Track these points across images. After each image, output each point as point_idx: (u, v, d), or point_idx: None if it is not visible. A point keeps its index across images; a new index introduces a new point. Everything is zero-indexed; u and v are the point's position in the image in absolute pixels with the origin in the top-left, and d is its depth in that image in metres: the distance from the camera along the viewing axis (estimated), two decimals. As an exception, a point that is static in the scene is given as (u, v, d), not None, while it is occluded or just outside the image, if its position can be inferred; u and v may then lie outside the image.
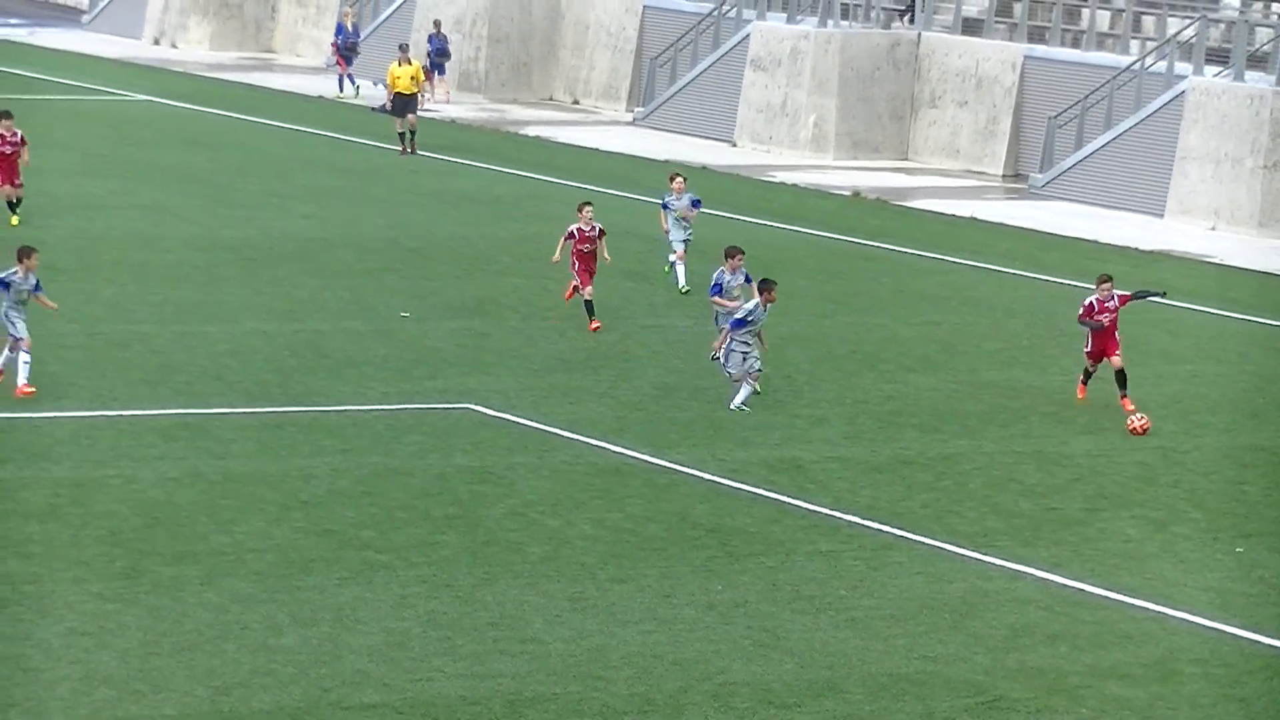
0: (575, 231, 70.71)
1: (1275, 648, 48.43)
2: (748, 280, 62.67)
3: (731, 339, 61.06)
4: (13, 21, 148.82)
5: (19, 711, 42.29)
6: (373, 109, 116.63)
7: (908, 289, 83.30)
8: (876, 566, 52.78)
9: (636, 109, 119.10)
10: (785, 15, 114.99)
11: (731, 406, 62.88)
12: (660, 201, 75.32)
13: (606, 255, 72.65)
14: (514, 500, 56.83)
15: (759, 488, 57.54)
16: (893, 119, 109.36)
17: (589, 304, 69.22)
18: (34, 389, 61.79)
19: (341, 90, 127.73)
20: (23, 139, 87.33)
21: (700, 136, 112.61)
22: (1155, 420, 61.85)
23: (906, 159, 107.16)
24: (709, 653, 46.64)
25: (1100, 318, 60.88)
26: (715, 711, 43.85)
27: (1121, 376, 62.19)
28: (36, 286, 62.88)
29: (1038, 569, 52.62)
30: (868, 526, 55.12)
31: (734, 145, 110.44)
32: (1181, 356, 65.53)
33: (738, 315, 61.39)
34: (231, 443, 61.07)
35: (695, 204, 78.78)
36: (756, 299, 62.68)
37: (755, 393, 63.08)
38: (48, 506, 54.60)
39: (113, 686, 43.48)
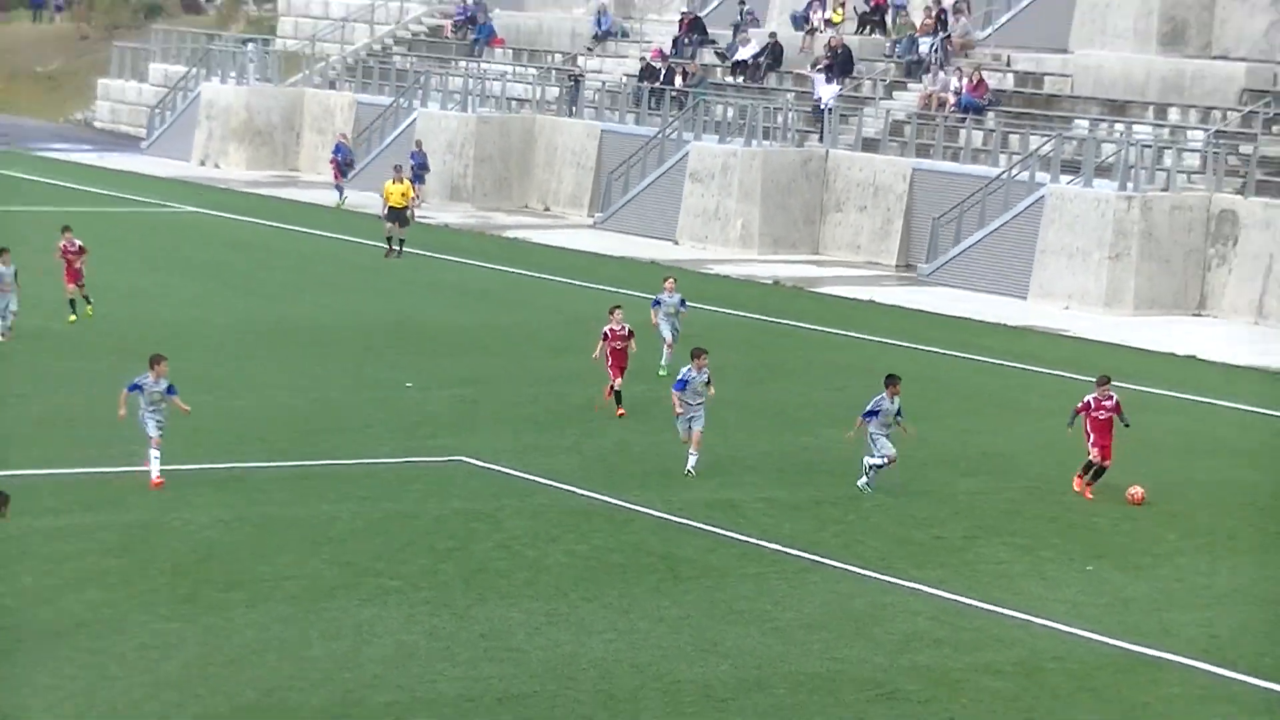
0: (608, 332, 70.78)
1: (1120, 648, 49.41)
2: (708, 382, 63.09)
3: (682, 401, 61.34)
4: (84, 148, 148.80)
5: (99, 712, 43.04)
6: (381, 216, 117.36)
7: (820, 361, 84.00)
8: (796, 586, 54.18)
9: (596, 214, 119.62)
10: (718, 137, 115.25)
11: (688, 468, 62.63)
12: (653, 299, 74.87)
13: (634, 348, 72.06)
14: (500, 535, 57.98)
15: (700, 523, 58.75)
16: (806, 222, 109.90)
17: (618, 394, 70.11)
18: (163, 480, 60.98)
19: (340, 200, 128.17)
20: (81, 247, 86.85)
21: (648, 237, 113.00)
22: (1029, 464, 62.26)
23: (817, 254, 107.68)
24: (660, 658, 48.25)
25: (1096, 415, 61.42)
26: (665, 706, 45.68)
27: (1100, 471, 61.88)
28: (169, 390, 61.50)
29: (927, 586, 54.00)
30: (789, 553, 56.42)
31: (676, 243, 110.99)
32: (1046, 411, 65.88)
33: (680, 378, 61.86)
34: (268, 491, 61.94)
35: (683, 304, 78.70)
36: (688, 366, 62.98)
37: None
38: (120, 544, 55.66)
39: (176, 690, 44.86)
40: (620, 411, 69.62)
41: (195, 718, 43.44)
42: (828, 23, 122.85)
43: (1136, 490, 61.63)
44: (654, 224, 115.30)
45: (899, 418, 61.83)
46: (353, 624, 49.70)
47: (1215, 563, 57.27)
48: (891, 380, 63.21)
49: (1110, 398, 62.38)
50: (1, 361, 76.49)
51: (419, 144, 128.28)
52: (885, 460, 61.80)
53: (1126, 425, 62.69)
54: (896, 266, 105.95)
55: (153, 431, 59.94)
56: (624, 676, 46.65)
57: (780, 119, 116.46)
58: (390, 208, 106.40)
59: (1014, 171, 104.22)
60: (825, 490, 61.28)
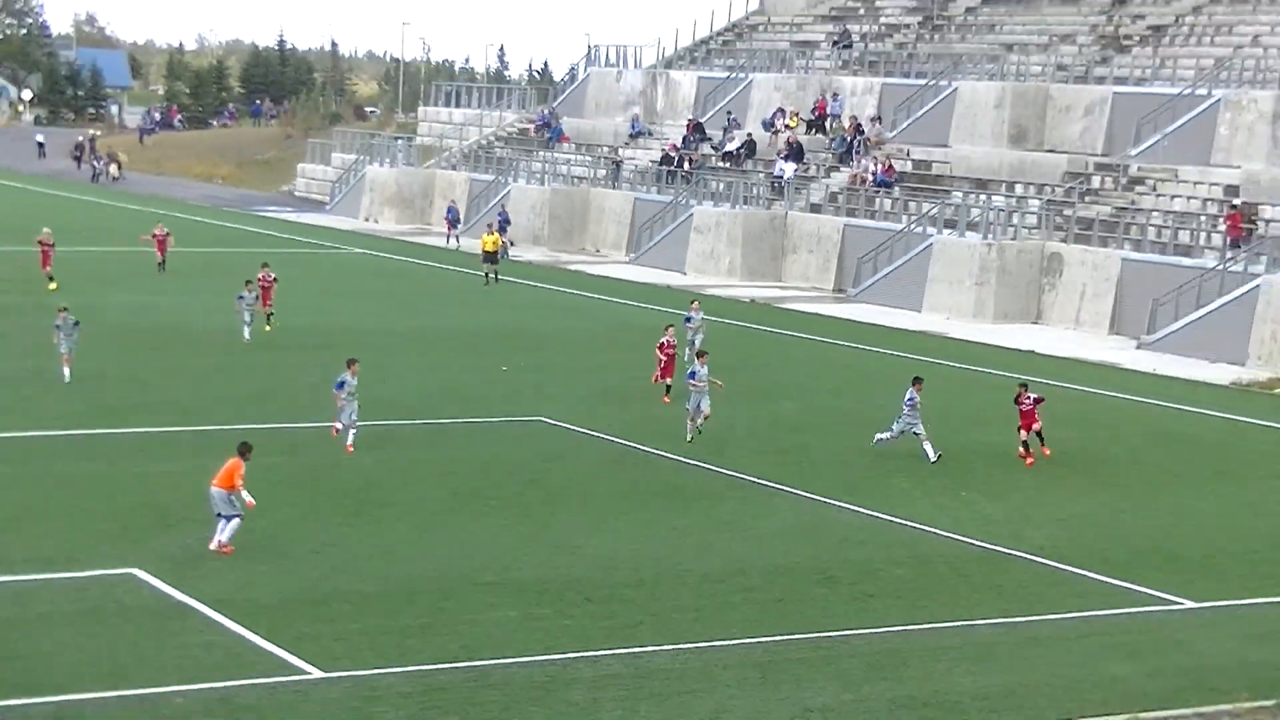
0: (663, 343, 69.57)
1: (985, 548, 50.53)
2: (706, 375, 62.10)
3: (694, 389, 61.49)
4: (287, 210, 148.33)
5: (290, 587, 42.85)
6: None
7: (782, 354, 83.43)
8: (767, 507, 54.94)
9: (631, 254, 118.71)
10: (713, 202, 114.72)
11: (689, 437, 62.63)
12: (684, 316, 74.71)
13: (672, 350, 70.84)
14: (566, 471, 58.97)
15: (703, 464, 58.92)
16: (772, 259, 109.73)
17: (668, 387, 69.15)
18: (350, 445, 59.62)
19: (448, 244, 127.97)
20: (275, 279, 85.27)
21: (666, 269, 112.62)
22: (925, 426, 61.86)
23: (780, 281, 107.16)
24: (672, 554, 49.09)
25: (1020, 406, 60.73)
26: (676, 587, 46.37)
27: (1039, 437, 60.91)
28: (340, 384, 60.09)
29: (855, 506, 54.33)
30: (762, 484, 57.15)
31: (685, 274, 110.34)
32: (936, 389, 65.18)
33: (691, 370, 61.68)
34: (409, 441, 62.74)
35: (690, 320, 76.59)
36: (696, 363, 62.77)
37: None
38: (308, 476, 56.26)
39: (344, 574, 44.60)
40: (666, 400, 68.80)
41: (356, 590, 43.34)
42: (786, 126, 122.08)
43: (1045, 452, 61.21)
44: (670, 260, 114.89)
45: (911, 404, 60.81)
46: (465, 530, 50.22)
47: (1055, 495, 57.29)
48: (701, 354, 64.18)
49: (1029, 399, 61.32)
50: (229, 355, 77.09)
51: (504, 208, 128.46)
52: (897, 434, 61.18)
53: (1039, 400, 61.85)
54: (833, 290, 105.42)
55: (344, 420, 59.22)
56: (648, 567, 46.91)
57: (754, 190, 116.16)
58: (484, 251, 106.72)
59: (912, 227, 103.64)
60: (787, 442, 60.94)
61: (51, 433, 59.22)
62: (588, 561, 47.52)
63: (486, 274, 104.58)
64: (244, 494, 46.23)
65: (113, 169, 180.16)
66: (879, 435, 61.56)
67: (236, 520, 45.78)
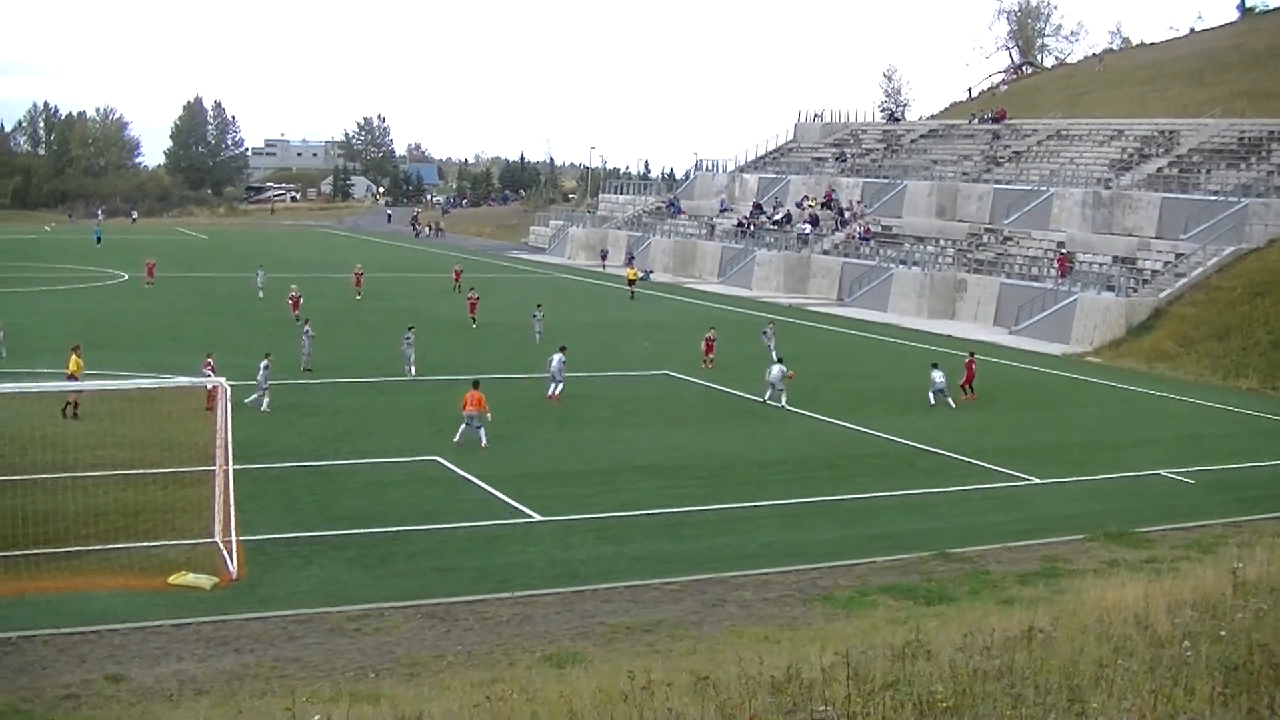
0: (706, 341, 66.58)
1: (919, 448, 49.96)
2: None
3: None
4: (523, 254, 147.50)
5: (521, 465, 43.00)
6: (641, 276, 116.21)
7: (804, 335, 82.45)
8: (797, 424, 53.59)
9: (721, 278, 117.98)
10: (767, 249, 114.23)
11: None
12: (762, 330, 72.50)
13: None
14: (680, 405, 58.29)
15: (757, 397, 57.74)
16: (800, 281, 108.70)
17: (711, 363, 65.88)
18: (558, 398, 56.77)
19: (601, 268, 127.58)
20: (477, 296, 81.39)
21: (741, 286, 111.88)
22: (888, 378, 61.21)
23: (806, 294, 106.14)
24: (742, 450, 49.21)
25: (968, 366, 59.77)
26: (741, 468, 46.17)
27: (969, 386, 59.60)
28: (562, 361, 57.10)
29: (844, 422, 53.51)
30: (797, 411, 55.28)
31: (751, 289, 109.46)
32: (896, 355, 64.57)
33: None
34: (586, 383, 60.19)
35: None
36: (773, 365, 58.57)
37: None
38: (536, 401, 54.63)
39: (548, 460, 43.97)
40: (706, 366, 65.98)
41: (560, 469, 43.77)
42: (809, 206, 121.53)
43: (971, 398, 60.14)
44: (743, 281, 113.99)
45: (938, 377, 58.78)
46: (622, 436, 50.25)
47: (958, 417, 56.76)
48: (936, 364, 60.67)
49: (972, 359, 60.83)
50: (488, 335, 77.00)
51: (631, 252, 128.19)
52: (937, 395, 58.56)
53: (972, 356, 61.52)
54: (836, 299, 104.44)
55: (555, 391, 56.53)
56: (726, 457, 47.18)
57: (790, 242, 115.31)
58: (628, 279, 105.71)
59: (881, 263, 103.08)
60: (806, 385, 59.60)
61: (396, 379, 59.60)
62: (693, 454, 47.45)
63: (631, 293, 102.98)
64: (487, 414, 47.09)
65: (425, 230, 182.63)
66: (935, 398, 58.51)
67: (482, 428, 46.65)
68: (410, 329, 60.98)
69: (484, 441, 45.74)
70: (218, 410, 33.17)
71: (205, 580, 29.63)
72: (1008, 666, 17.93)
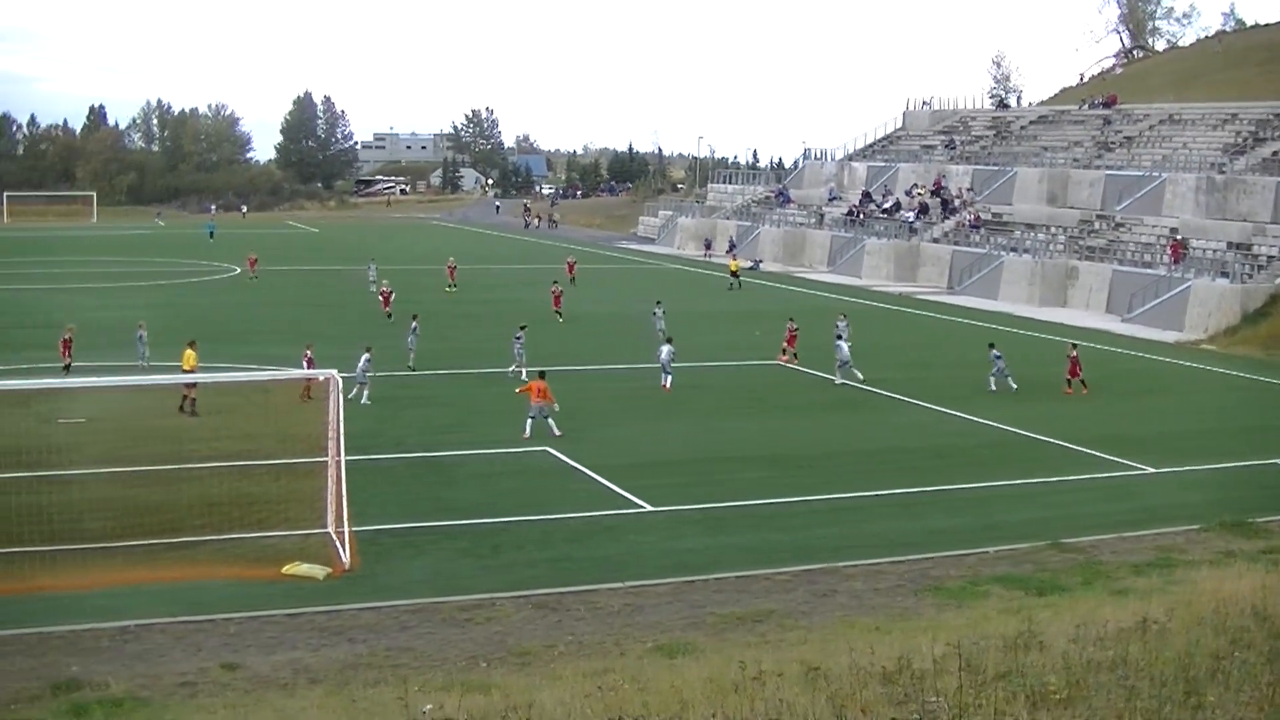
0: (789, 332, 65.10)
1: (1017, 433, 48.63)
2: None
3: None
4: (631, 244, 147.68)
5: (618, 451, 42.98)
6: (749, 265, 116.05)
7: (915, 324, 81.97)
8: (902, 412, 53.58)
9: (830, 267, 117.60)
10: (876, 238, 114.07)
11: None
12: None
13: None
14: (786, 392, 57.36)
15: (863, 386, 57.78)
16: (910, 269, 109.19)
17: (789, 352, 64.55)
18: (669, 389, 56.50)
19: (705, 257, 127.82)
20: (561, 290, 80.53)
21: (850, 275, 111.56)
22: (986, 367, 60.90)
23: (915, 283, 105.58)
24: (845, 439, 49.06)
25: (1070, 357, 57.96)
26: (847, 458, 46.04)
27: (1069, 381, 57.25)
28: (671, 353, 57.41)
29: (947, 409, 52.80)
30: (896, 398, 55.12)
31: (860, 278, 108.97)
32: (1002, 345, 63.81)
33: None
34: (699, 375, 60.36)
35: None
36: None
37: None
38: (632, 391, 54.28)
39: (648, 449, 44.43)
40: (786, 360, 64.86)
41: (667, 459, 43.71)
42: (918, 194, 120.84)
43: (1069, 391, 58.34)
44: (852, 270, 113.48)
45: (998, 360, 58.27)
46: (727, 425, 50.46)
47: (1070, 405, 56.05)
48: (992, 344, 60.21)
49: (1074, 350, 58.93)
50: (599, 326, 76.86)
51: (731, 238, 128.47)
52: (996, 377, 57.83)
53: (1075, 349, 59.84)
54: (946, 287, 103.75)
55: (667, 382, 56.21)
56: (830, 446, 47.13)
57: (899, 231, 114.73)
58: (730, 270, 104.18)
59: (991, 251, 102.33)
60: (914, 375, 59.41)
61: (503, 370, 59.66)
62: (803, 443, 47.35)
63: (730, 284, 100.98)
64: (554, 404, 47.04)
65: (535, 222, 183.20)
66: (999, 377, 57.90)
67: (550, 418, 46.43)
68: (522, 328, 60.00)
69: (555, 430, 45.41)
70: (329, 401, 33.47)
71: (319, 570, 30.00)
72: (1122, 658, 17.75)
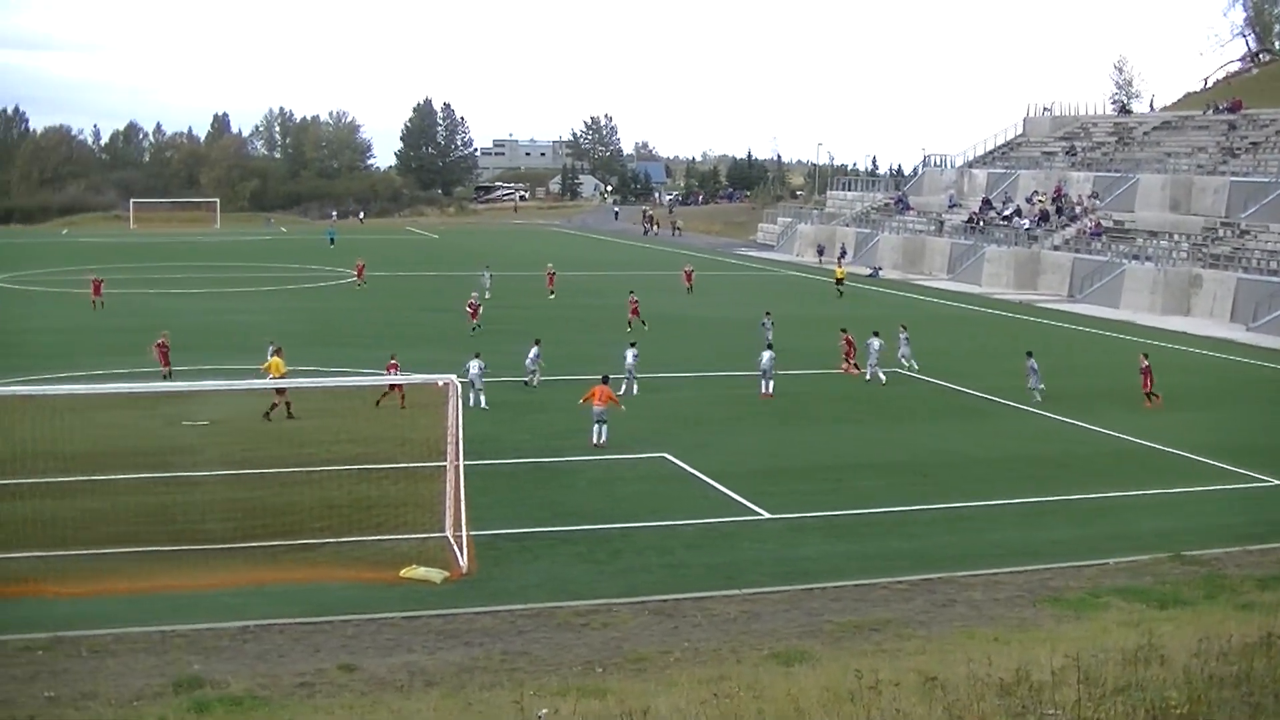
0: (845, 342, 63.14)
1: (1147, 445, 47.94)
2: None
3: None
4: (750, 251, 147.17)
5: (735, 456, 42.78)
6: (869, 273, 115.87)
7: (1038, 331, 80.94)
8: (1015, 420, 52.61)
9: (950, 274, 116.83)
10: (996, 245, 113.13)
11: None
12: (898, 342, 70.47)
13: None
14: (908, 398, 56.93)
15: (984, 393, 57.36)
16: (1031, 277, 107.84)
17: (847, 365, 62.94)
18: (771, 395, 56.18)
19: (819, 261, 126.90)
20: (637, 300, 78.12)
21: (969, 283, 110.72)
22: (1116, 375, 59.78)
23: (1037, 290, 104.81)
24: (967, 448, 48.44)
25: (1144, 366, 56.91)
26: (969, 466, 45.64)
27: (1149, 395, 55.72)
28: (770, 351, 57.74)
29: (1076, 421, 52.32)
30: (1020, 408, 54.48)
31: (980, 286, 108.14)
32: (1121, 353, 62.78)
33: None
34: (811, 382, 60.06)
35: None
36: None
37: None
38: (751, 401, 54.49)
39: (770, 455, 43.73)
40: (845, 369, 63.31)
41: (787, 466, 43.50)
42: (1038, 201, 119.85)
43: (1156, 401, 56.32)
44: (973, 278, 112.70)
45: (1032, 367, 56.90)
46: (847, 433, 50.17)
47: (1191, 416, 55.31)
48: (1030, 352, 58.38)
49: (1145, 360, 57.26)
50: (715, 330, 76.95)
51: (843, 245, 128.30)
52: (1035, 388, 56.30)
53: (1147, 359, 58.30)
54: (1067, 295, 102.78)
55: (769, 389, 56.20)
56: (952, 455, 46.89)
57: (1020, 238, 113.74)
58: (836, 277, 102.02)
59: (1112, 259, 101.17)
60: (1050, 389, 57.78)
61: (619, 376, 59.68)
62: (921, 451, 47.03)
63: (838, 291, 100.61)
64: (621, 406, 47.20)
65: (654, 229, 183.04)
66: (1035, 388, 56.48)
67: (605, 424, 45.47)
68: (633, 345, 58.88)
69: (603, 438, 45.04)
70: (448, 406, 33.71)
71: (436, 574, 30.21)
72: (1245, 674, 17.49)
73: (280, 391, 46.90)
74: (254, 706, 21.95)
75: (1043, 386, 56.78)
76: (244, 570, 30.14)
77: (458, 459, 32.31)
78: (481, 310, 74.82)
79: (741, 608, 28.87)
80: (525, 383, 57.67)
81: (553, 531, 34.71)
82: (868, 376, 60.43)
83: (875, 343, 60.91)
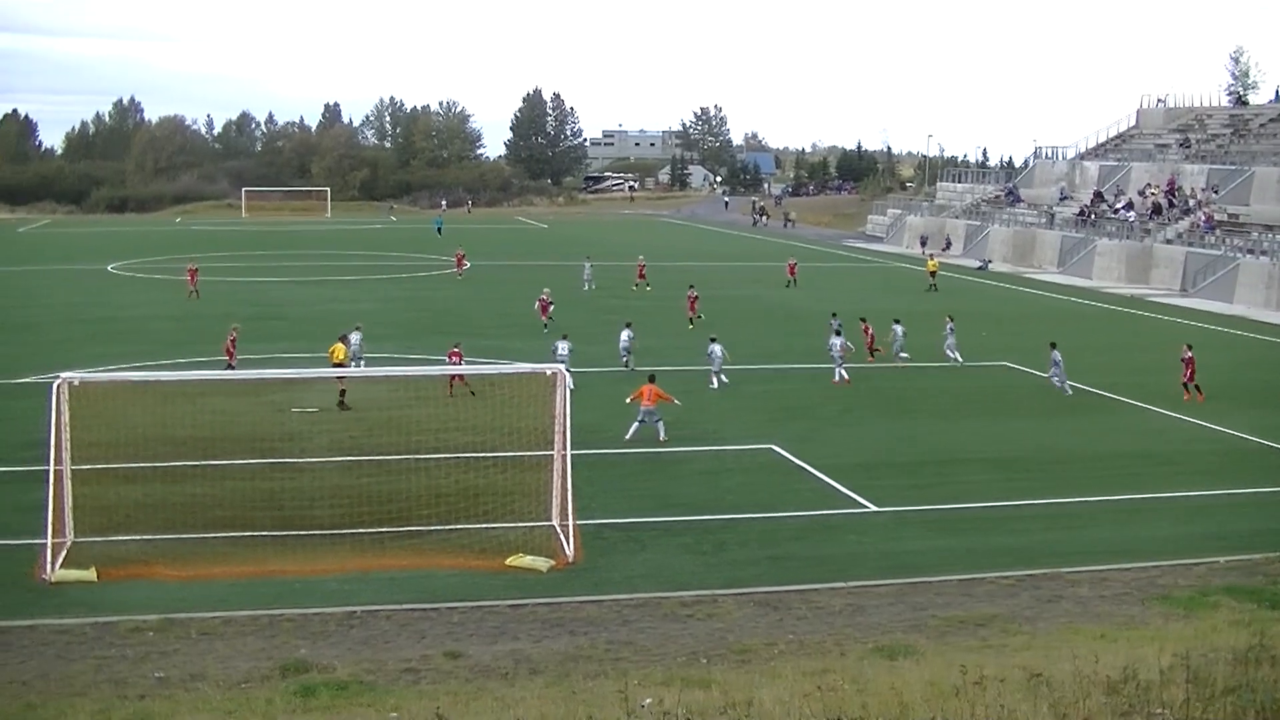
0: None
1: (1257, 442, 47.25)
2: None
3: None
4: (859, 242, 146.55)
5: (838, 450, 42.58)
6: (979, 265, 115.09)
7: (1149, 326, 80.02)
8: (1118, 414, 51.82)
9: (1060, 267, 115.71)
10: (1108, 239, 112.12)
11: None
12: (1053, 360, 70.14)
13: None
14: (1016, 394, 56.27)
15: (1093, 388, 56.25)
16: (1142, 270, 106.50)
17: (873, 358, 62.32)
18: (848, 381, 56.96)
19: (922, 253, 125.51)
20: (697, 295, 75.63)
21: (1080, 276, 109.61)
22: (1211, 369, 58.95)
23: (1148, 284, 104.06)
24: (1073, 444, 47.73)
25: (1186, 357, 55.65)
26: (1073, 462, 44.90)
27: (1187, 385, 54.60)
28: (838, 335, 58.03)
29: (1186, 417, 51.54)
30: (1122, 400, 54.15)
31: (1091, 279, 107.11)
32: (1236, 348, 61.69)
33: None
34: (922, 375, 59.64)
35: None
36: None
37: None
38: (824, 390, 53.80)
39: (896, 444, 43.26)
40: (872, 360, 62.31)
41: (893, 460, 43.39)
42: (1151, 194, 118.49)
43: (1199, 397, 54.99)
44: (1083, 271, 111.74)
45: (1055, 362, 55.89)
46: (955, 427, 49.95)
47: (1225, 415, 55.10)
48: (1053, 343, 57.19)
49: (1187, 353, 55.60)
50: (799, 322, 75.95)
51: (947, 238, 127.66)
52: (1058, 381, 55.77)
53: (1190, 350, 56.42)
54: (1179, 289, 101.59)
55: (837, 378, 56.72)
56: (1059, 451, 46.23)
57: (1132, 231, 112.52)
58: (929, 270, 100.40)
59: (1227, 253, 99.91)
60: (1143, 378, 57.77)
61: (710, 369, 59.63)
62: (1028, 446, 46.51)
63: (930, 285, 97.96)
64: (675, 400, 46.45)
65: (764, 219, 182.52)
66: (1060, 383, 55.69)
67: (660, 421, 44.99)
68: (713, 339, 58.03)
69: (662, 435, 44.36)
70: (555, 395, 33.93)
71: (542, 563, 30.41)
72: (1361, 676, 17.27)
73: (340, 379, 48.05)
74: (359, 692, 22.19)
75: (1068, 382, 56.24)
76: (351, 556, 30.51)
77: (565, 448, 32.59)
78: (553, 308, 71.98)
79: (846, 600, 28.80)
80: (626, 365, 58.50)
81: (659, 522, 34.79)
82: (895, 363, 61.36)
83: (898, 329, 63.18)
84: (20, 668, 23.89)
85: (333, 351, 50.70)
